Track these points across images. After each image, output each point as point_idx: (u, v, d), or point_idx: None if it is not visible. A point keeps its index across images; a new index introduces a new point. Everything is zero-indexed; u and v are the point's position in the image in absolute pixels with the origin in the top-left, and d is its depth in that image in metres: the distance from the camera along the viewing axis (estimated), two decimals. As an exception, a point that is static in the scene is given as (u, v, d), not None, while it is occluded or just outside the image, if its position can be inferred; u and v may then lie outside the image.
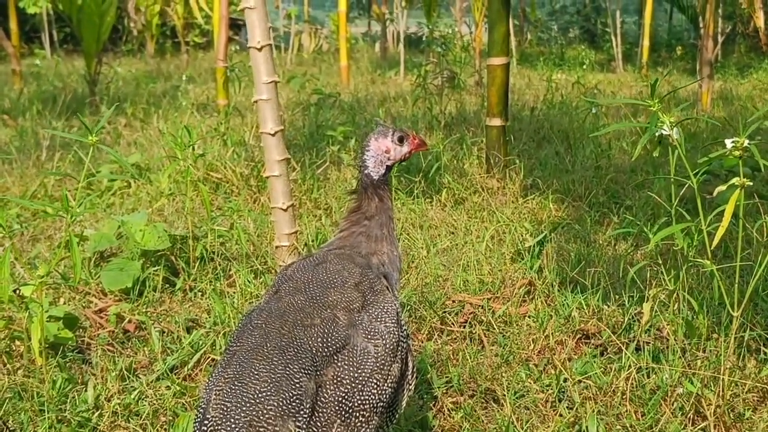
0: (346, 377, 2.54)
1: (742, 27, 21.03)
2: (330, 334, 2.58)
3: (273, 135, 4.99)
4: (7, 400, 3.62)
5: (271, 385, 2.43)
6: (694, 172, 3.71)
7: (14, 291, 3.94)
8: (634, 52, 22.68)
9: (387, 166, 3.11)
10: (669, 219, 4.18)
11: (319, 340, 2.56)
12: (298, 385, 2.45)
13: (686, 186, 3.83)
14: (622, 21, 22.28)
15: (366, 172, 3.09)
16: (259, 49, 4.92)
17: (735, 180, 3.40)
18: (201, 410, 2.46)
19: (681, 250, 4.14)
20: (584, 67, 18.09)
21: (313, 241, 5.69)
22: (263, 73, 4.94)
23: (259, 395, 2.40)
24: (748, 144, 3.37)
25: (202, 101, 13.09)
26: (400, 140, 3.12)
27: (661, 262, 4.64)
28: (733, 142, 3.47)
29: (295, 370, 2.47)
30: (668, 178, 4.01)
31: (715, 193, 3.51)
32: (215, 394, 2.44)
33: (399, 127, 3.20)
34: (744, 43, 24.01)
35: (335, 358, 2.56)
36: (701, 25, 12.64)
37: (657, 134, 3.76)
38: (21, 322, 4.15)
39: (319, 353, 2.54)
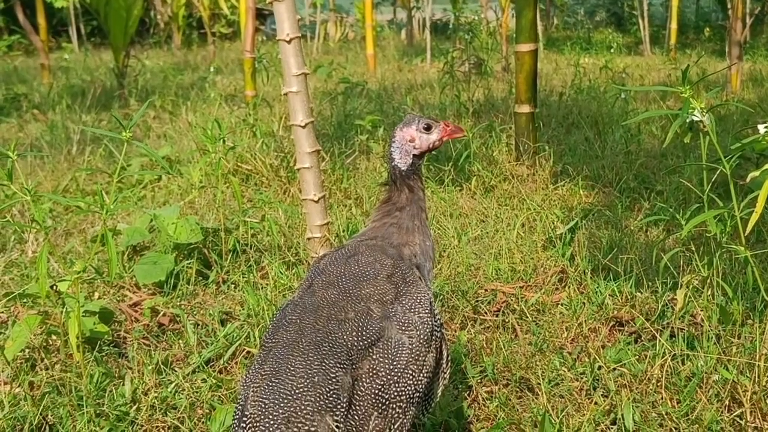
0: (382, 369, 2.54)
1: (771, 7, 20.84)
2: (364, 327, 2.59)
3: (303, 127, 5.01)
4: (46, 395, 3.66)
5: (308, 380, 2.43)
6: (727, 157, 3.69)
7: (51, 287, 3.97)
8: (661, 35, 22.54)
9: (414, 155, 3.10)
10: (700, 204, 4.16)
11: (354, 333, 2.57)
12: (334, 380, 2.45)
13: (717, 171, 3.81)
14: (649, 3, 22.07)
15: (393, 163, 3.09)
16: (288, 42, 4.92)
17: (768, 165, 3.38)
18: (239, 407, 2.48)
19: (714, 236, 4.12)
20: (611, 50, 17.98)
21: (344, 231, 5.69)
22: (293, 65, 4.95)
23: (296, 391, 2.41)
24: (781, 129, 3.35)
25: (230, 92, 13.13)
26: (427, 128, 3.10)
27: (693, 248, 4.62)
28: (766, 126, 3.45)
29: (330, 364, 2.48)
30: (700, 164, 3.99)
31: (748, 179, 3.49)
32: (253, 391, 2.46)
33: (428, 116, 3.19)
34: (773, 23, 23.78)
35: (370, 351, 2.56)
36: (729, 6, 12.53)
37: (688, 120, 3.75)
38: (56, 317, 4.18)
39: (354, 347, 2.54)
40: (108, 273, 5.07)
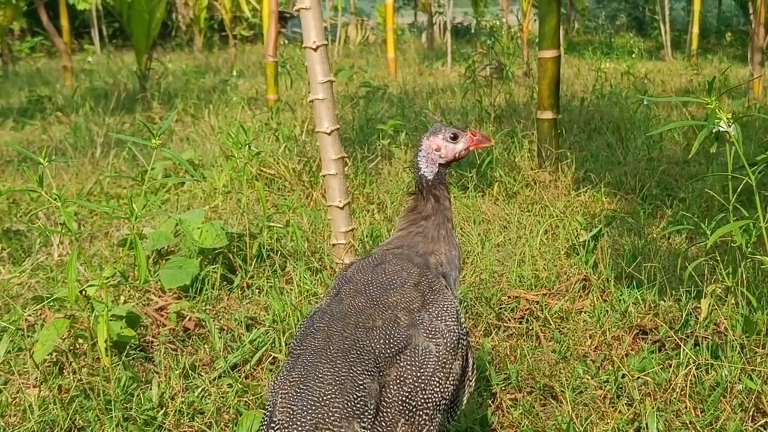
0: (409, 377, 2.57)
1: (793, 12, 20.67)
2: (392, 335, 2.62)
3: (329, 134, 5.03)
4: (74, 399, 3.70)
5: (336, 387, 2.46)
6: (752, 168, 3.69)
7: (80, 291, 4.00)
8: (683, 39, 22.39)
9: (440, 164, 3.10)
10: (725, 213, 4.16)
11: (381, 341, 2.60)
12: (362, 387, 2.48)
13: (743, 180, 3.82)
14: (671, 8, 21.97)
15: (420, 173, 3.10)
16: (315, 49, 4.95)
17: (794, 176, 3.39)
18: (267, 414, 2.51)
19: (738, 246, 4.12)
20: (633, 55, 17.91)
21: (367, 237, 5.72)
22: (319, 73, 4.98)
23: (324, 398, 2.44)
24: (808, 140, 3.36)
25: (252, 95, 13.16)
26: (454, 138, 3.10)
27: (717, 256, 4.62)
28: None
29: (358, 371, 2.51)
30: (725, 174, 3.99)
31: (774, 190, 3.50)
32: (281, 398, 2.49)
33: (455, 125, 3.20)
34: (796, 28, 23.58)
35: (397, 358, 2.59)
36: (751, 11, 12.47)
37: (713, 130, 3.75)
38: (83, 321, 4.22)
39: (381, 354, 2.57)
40: (133, 277, 5.12)
